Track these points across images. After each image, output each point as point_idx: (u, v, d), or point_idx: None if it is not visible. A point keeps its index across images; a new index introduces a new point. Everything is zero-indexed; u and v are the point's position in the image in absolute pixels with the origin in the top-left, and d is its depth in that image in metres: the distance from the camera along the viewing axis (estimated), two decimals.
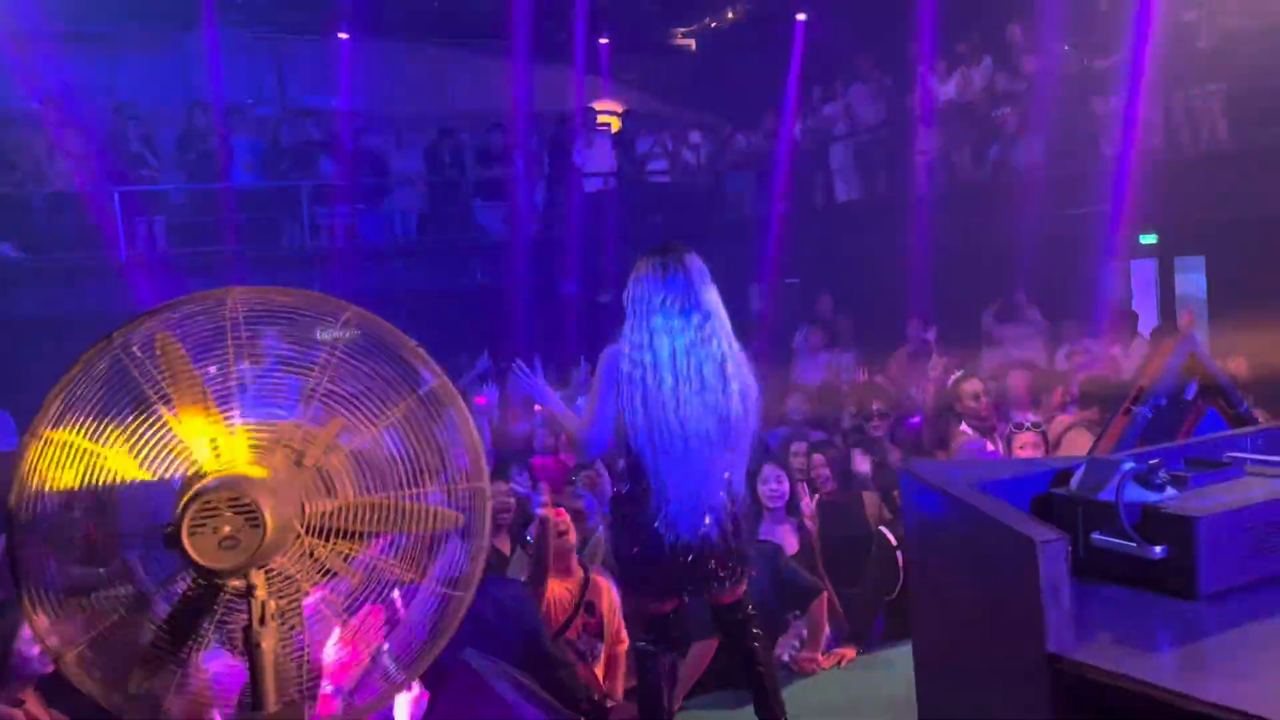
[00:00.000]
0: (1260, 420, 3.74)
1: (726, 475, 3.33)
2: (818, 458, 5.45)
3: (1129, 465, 2.00)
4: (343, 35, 12.89)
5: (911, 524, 2.29)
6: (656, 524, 3.23)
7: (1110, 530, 1.95)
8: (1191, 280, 10.84)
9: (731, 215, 14.33)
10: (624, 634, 4.35)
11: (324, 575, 1.88)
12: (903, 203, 11.77)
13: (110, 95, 12.55)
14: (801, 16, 12.85)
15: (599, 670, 4.29)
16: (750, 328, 15.54)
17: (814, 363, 9.30)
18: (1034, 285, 10.57)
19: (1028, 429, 5.67)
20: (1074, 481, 2.07)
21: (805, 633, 4.45)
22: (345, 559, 1.92)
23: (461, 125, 13.32)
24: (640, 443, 3.24)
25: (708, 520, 3.25)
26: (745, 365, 3.39)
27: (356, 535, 1.90)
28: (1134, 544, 1.89)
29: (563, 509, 4.38)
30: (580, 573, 4.32)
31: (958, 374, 6.63)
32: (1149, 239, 10.40)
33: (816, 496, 5.24)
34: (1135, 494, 1.95)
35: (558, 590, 4.25)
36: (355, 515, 1.84)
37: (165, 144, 12.23)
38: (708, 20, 14.88)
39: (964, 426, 5.77)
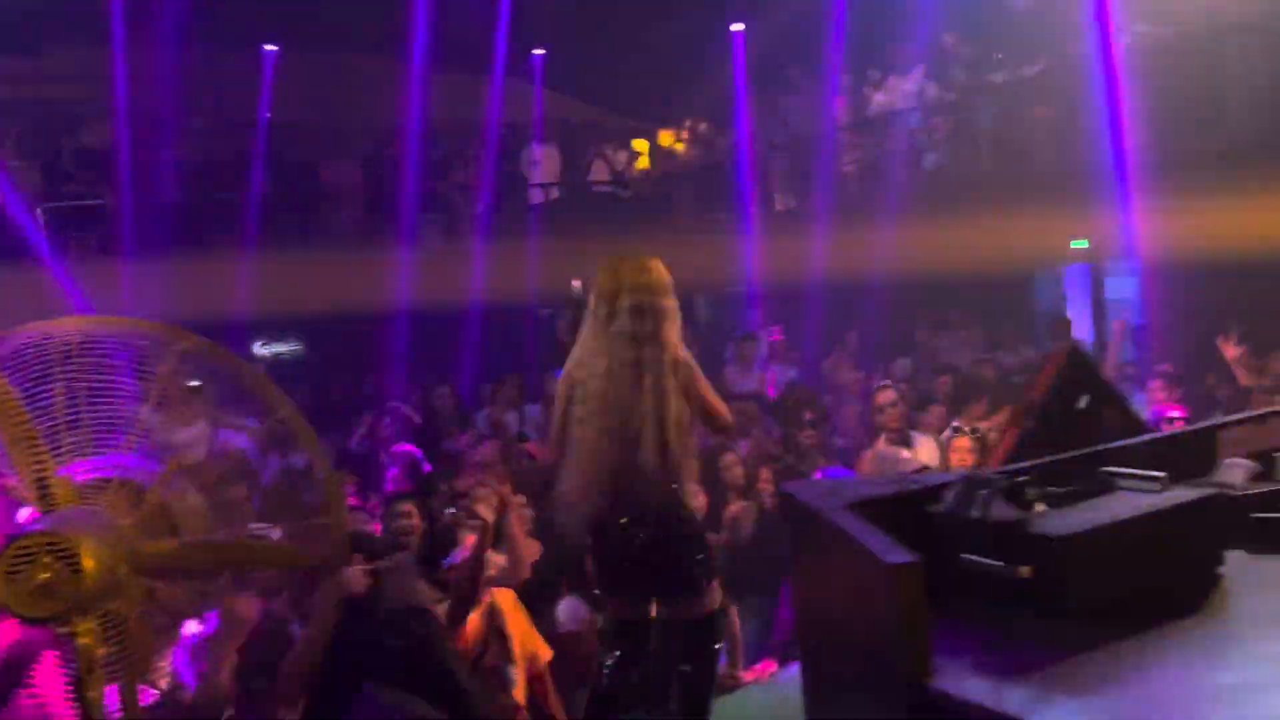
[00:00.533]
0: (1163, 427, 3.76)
1: None
2: (765, 471, 5.46)
3: (999, 482, 1.98)
4: (270, 47, 12.69)
5: (791, 544, 2.26)
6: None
7: (979, 549, 1.93)
8: (1127, 284, 11.02)
9: (673, 225, 14.31)
10: (543, 650, 4.28)
11: (173, 617, 1.80)
12: (838, 212, 11.85)
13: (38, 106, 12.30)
14: (738, 27, 12.88)
15: (519, 694, 4.20)
16: (696, 337, 15.58)
17: (748, 373, 9.29)
18: (971, 293, 10.68)
19: (964, 434, 5.71)
20: (947, 498, 2.05)
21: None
22: (198, 599, 1.84)
23: (400, 136, 13.17)
24: None
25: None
26: None
27: (205, 574, 1.82)
28: (1001, 564, 1.87)
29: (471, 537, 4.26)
30: (485, 597, 4.21)
31: (882, 384, 6.66)
32: (1080, 244, 10.54)
33: (749, 505, 5.23)
34: (1003, 511, 1.93)
35: (469, 619, 4.16)
36: (197, 555, 1.76)
37: (97, 158, 11.98)
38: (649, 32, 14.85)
39: (882, 438, 5.80)
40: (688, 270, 12.40)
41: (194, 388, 2.25)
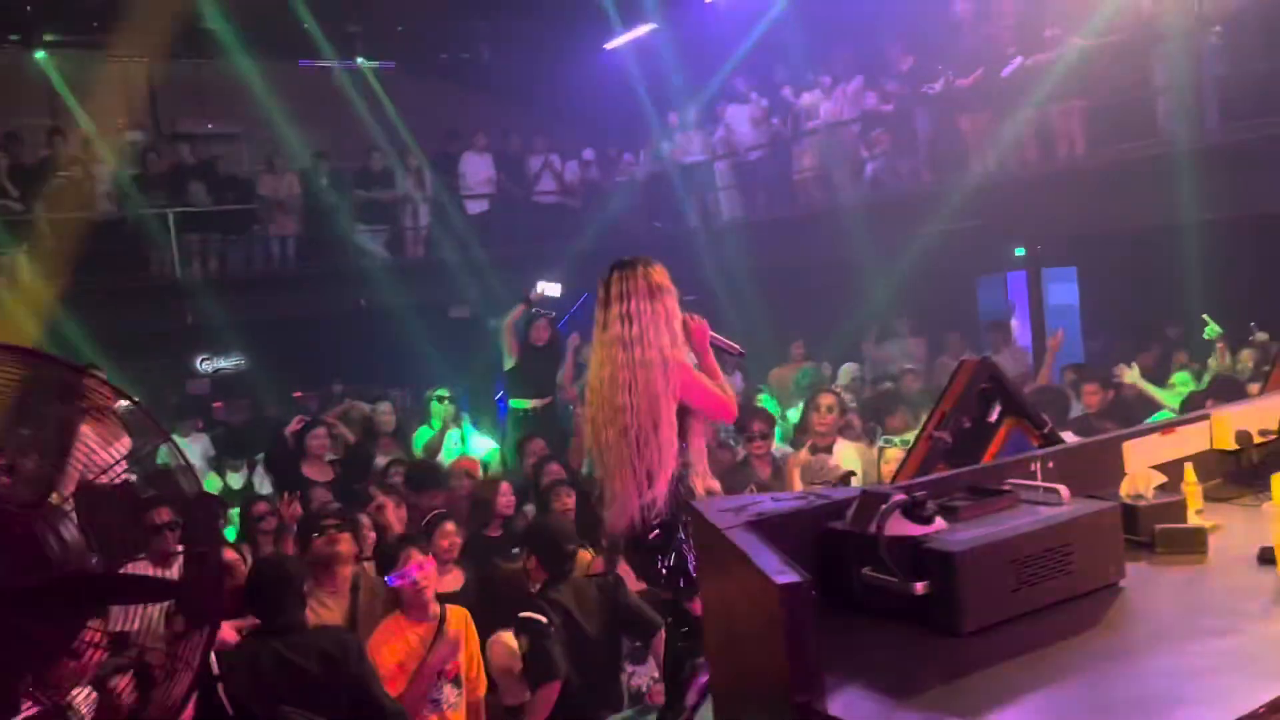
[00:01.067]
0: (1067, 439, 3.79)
1: None
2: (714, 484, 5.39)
3: (897, 497, 1.96)
4: (214, 59, 12.49)
5: (697, 562, 2.22)
6: None
7: (878, 565, 1.91)
8: (1067, 290, 11.15)
9: (622, 234, 14.30)
10: (483, 680, 4.20)
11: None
12: (783, 220, 11.92)
13: None
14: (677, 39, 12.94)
15: (458, 717, 4.12)
16: None
17: None
18: (913, 300, 10.78)
19: (895, 444, 5.71)
20: (848, 514, 2.03)
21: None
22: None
23: (339, 147, 13.04)
24: None
25: None
26: None
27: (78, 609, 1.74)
28: (896, 580, 1.84)
29: (431, 557, 4.15)
30: (437, 615, 4.12)
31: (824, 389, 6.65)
32: (1020, 252, 10.66)
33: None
34: (901, 528, 1.90)
35: (409, 635, 4.07)
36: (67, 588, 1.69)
37: (26, 172, 11.70)
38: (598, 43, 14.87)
39: (803, 451, 5.79)
40: None
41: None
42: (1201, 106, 8.08)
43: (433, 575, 4.08)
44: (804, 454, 5.79)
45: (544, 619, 3.88)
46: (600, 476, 3.56)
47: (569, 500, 5.25)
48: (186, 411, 10.38)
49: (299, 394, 12.75)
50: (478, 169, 13.64)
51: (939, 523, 1.93)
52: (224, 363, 14.08)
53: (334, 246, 12.70)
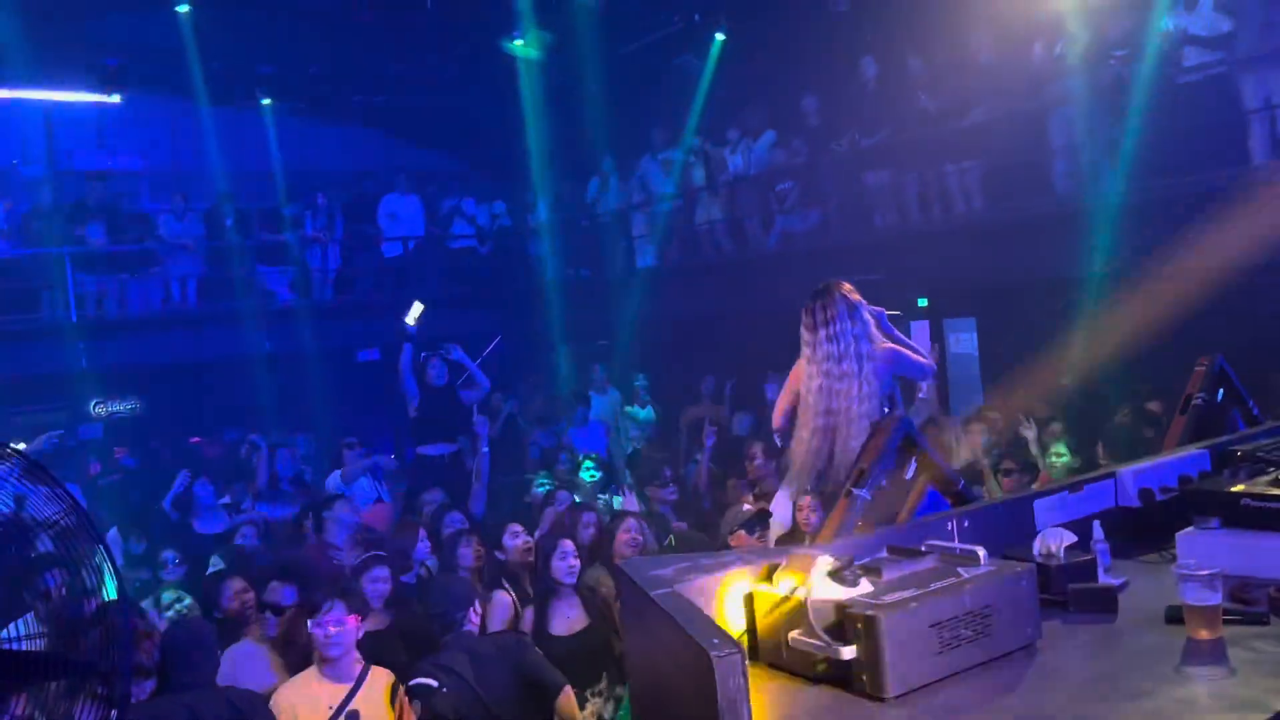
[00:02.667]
0: (985, 496, 3.89)
1: None
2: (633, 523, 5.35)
3: (825, 561, 1.98)
4: (115, 98, 12.14)
5: (626, 625, 2.21)
6: None
7: (806, 629, 1.92)
8: (967, 340, 11.50)
9: (536, 280, 14.32)
10: None
11: None
12: (695, 269, 12.07)
13: None
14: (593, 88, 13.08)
15: None
16: (561, 388, 15.57)
17: (585, 431, 9.25)
18: None
19: (808, 493, 5.76)
20: (775, 576, 2.04)
21: None
22: None
23: (245, 187, 12.77)
24: None
25: None
26: None
27: None
28: (823, 644, 1.86)
29: (356, 616, 4.00)
30: (355, 677, 3.96)
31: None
32: (923, 302, 10.97)
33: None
34: (828, 591, 1.93)
35: (319, 693, 3.92)
36: None
37: None
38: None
39: (745, 496, 5.83)
40: (555, 324, 12.45)
41: None
42: (1096, 167, 8.46)
43: (351, 634, 3.94)
44: (745, 497, 5.85)
45: (433, 682, 3.80)
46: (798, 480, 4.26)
47: (469, 550, 5.16)
48: (78, 457, 9.98)
49: (197, 439, 12.36)
50: (398, 211, 13.51)
51: (864, 585, 1.96)
52: (119, 407, 13.59)
53: (238, 288, 12.39)
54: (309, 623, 3.90)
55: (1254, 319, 7.94)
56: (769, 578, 2.06)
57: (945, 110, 9.28)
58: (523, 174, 14.91)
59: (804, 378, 4.19)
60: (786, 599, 1.95)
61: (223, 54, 11.82)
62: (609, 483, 7.55)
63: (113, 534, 7.41)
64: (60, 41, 10.64)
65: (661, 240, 12.78)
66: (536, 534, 5.28)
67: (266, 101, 13.05)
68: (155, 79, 12.04)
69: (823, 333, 4.09)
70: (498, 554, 5.16)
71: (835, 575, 1.93)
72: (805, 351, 4.18)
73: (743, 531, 5.00)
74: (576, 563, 4.69)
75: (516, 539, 5.15)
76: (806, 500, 5.30)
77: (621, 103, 13.01)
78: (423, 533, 5.42)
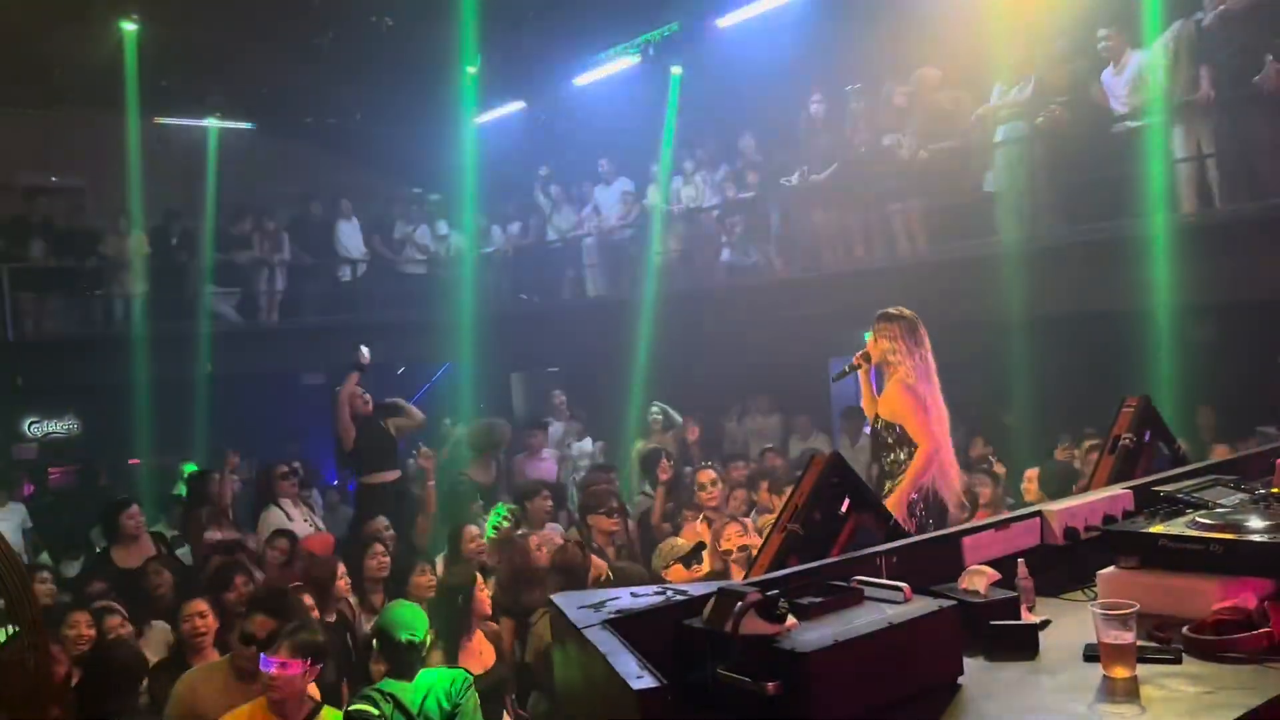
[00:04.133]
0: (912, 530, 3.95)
1: None
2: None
3: (752, 596, 2.01)
4: (61, 110, 11.97)
5: (558, 662, 2.21)
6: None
7: (733, 664, 1.94)
8: None
9: (488, 307, 14.30)
10: None
11: None
12: (646, 300, 12.14)
13: None
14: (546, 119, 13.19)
15: None
16: (515, 417, 15.51)
17: (542, 461, 9.21)
18: (769, 378, 11.12)
19: (732, 520, 5.81)
20: (705, 612, 2.06)
21: None
22: None
23: (192, 207, 12.63)
24: None
25: None
26: None
27: None
28: (749, 680, 1.88)
29: (298, 663, 3.89)
30: (305, 714, 3.87)
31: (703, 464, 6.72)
32: (867, 336, 11.11)
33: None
34: (754, 626, 1.95)
35: None
36: None
37: None
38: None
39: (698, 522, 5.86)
40: (506, 351, 12.44)
41: None
42: (1035, 209, 8.67)
43: (295, 680, 3.76)
44: (698, 525, 5.86)
45: (375, 710, 3.76)
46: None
47: (421, 579, 5.13)
48: (10, 479, 9.76)
49: (135, 460, 12.15)
50: (349, 234, 13.43)
51: (791, 621, 1.99)
52: (55, 427, 13.31)
53: (182, 309, 12.22)
54: (262, 656, 3.81)
55: (1182, 358, 8.18)
56: (699, 612, 2.08)
57: (890, 150, 9.47)
58: (476, 200, 14.94)
59: (923, 389, 4.59)
60: (714, 634, 1.97)
61: (171, 72, 11.72)
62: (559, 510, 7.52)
63: (44, 558, 7.25)
64: (3, 57, 10.48)
65: (611, 269, 12.85)
66: None
67: (214, 121, 12.94)
68: (100, 95, 11.89)
69: (924, 350, 4.66)
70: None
71: (763, 611, 1.96)
72: (908, 363, 4.63)
73: (679, 565, 5.01)
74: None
75: (421, 576, 5.13)
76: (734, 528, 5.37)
77: (575, 133, 13.12)
78: (342, 569, 5.30)
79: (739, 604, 1.96)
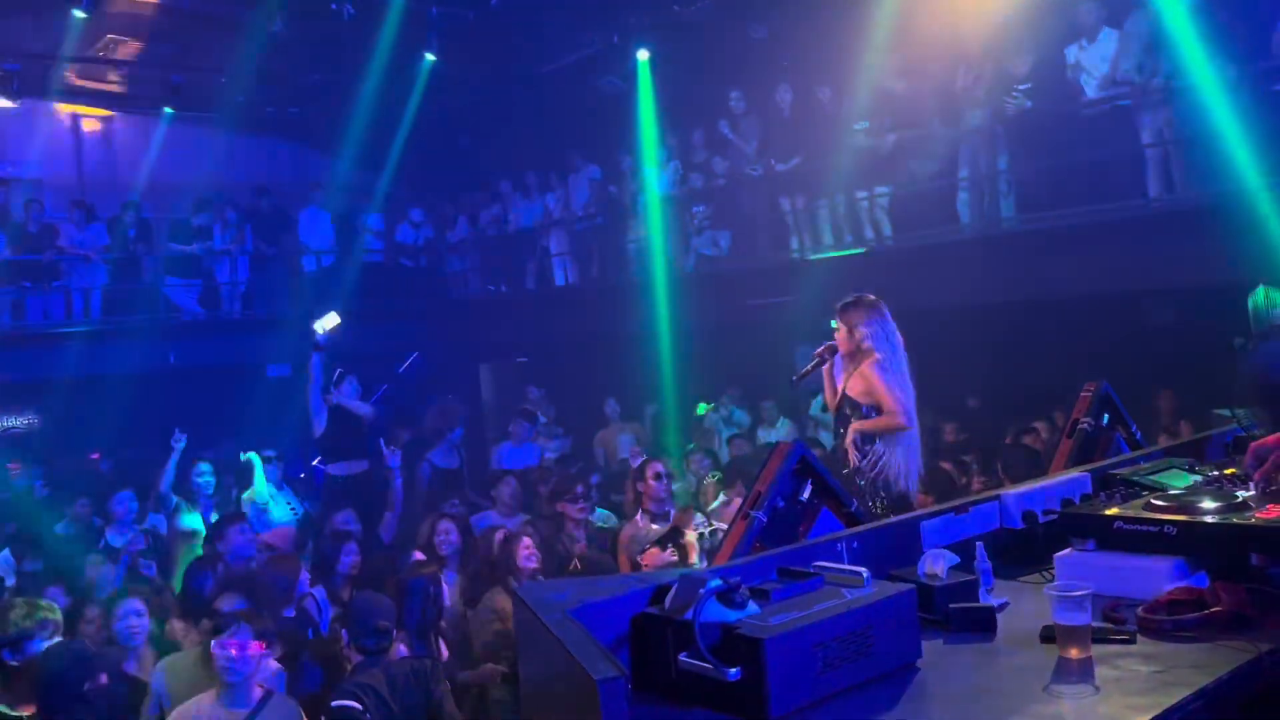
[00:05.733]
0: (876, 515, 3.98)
1: None
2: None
3: (714, 583, 2.01)
4: (13, 104, 11.71)
5: (522, 653, 2.21)
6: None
7: (694, 651, 1.95)
8: None
9: (454, 295, 14.24)
10: None
11: None
12: (614, 287, 12.13)
13: None
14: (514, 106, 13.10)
15: None
16: (483, 406, 15.47)
17: (521, 450, 9.21)
18: (737, 366, 11.16)
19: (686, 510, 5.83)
20: (667, 600, 2.07)
21: None
22: None
23: (152, 198, 12.45)
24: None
25: None
26: None
27: None
28: (709, 666, 1.89)
29: (262, 644, 3.89)
30: (255, 701, 3.85)
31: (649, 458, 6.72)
32: (834, 324, 11.16)
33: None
34: (715, 613, 1.96)
35: (214, 716, 3.84)
36: None
37: None
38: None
39: (639, 514, 5.85)
40: (474, 341, 12.38)
41: None
42: (998, 197, 8.74)
43: (250, 662, 3.84)
44: (638, 519, 5.86)
45: (358, 705, 3.74)
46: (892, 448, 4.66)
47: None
48: None
49: (96, 455, 11.99)
50: (316, 224, 13.30)
51: (751, 607, 2.00)
52: (14, 421, 13.11)
53: (143, 300, 12.06)
54: (211, 642, 3.82)
55: (1141, 342, 8.30)
56: (660, 601, 2.09)
57: (856, 138, 9.50)
58: (441, 189, 14.85)
59: (895, 371, 4.71)
60: (675, 622, 1.98)
61: (129, 61, 11.53)
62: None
63: (5, 555, 7.14)
64: None
65: (581, 258, 12.82)
66: None
67: (170, 111, 12.74)
68: (56, 86, 11.68)
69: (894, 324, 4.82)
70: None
71: (724, 598, 1.97)
72: (883, 346, 4.75)
73: (655, 549, 5.02)
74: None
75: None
76: None
77: (543, 121, 13.05)
78: (304, 565, 5.29)
79: (700, 591, 1.97)
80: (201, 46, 11.96)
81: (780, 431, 10.38)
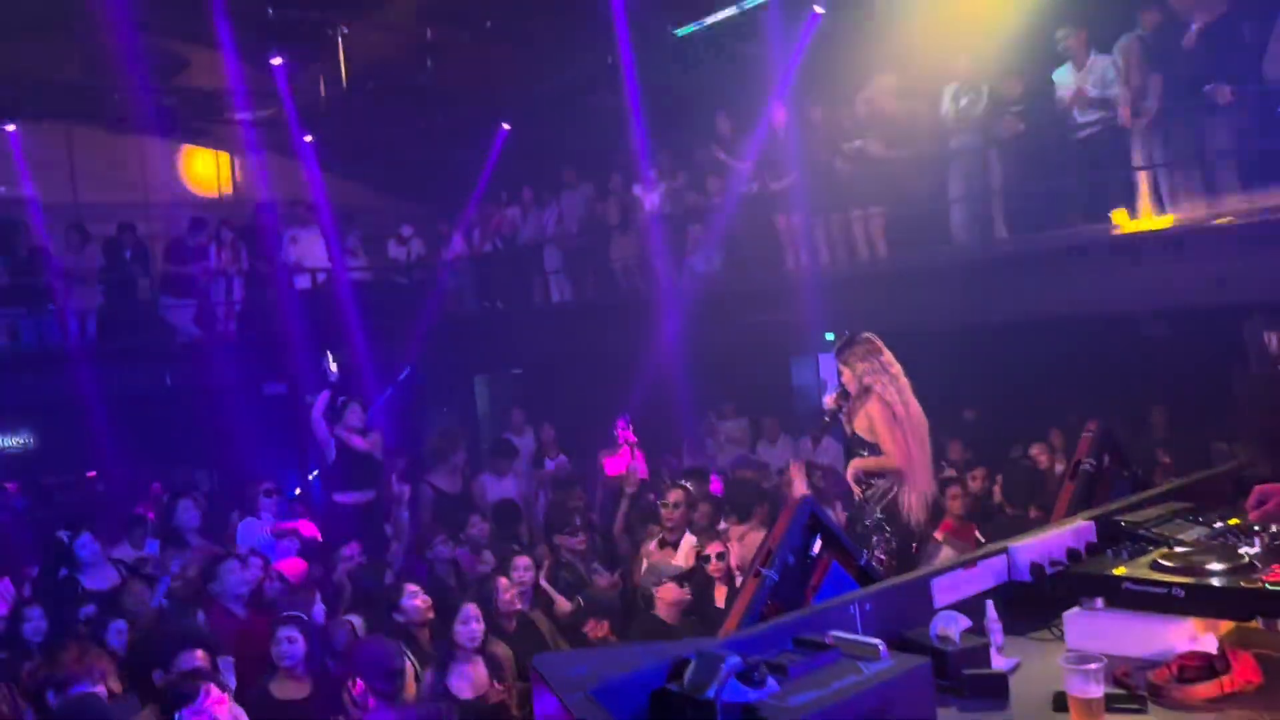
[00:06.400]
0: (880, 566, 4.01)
1: None
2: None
3: (733, 661, 2.04)
4: (9, 126, 11.68)
5: None
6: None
7: None
8: None
9: (452, 312, 14.24)
10: None
11: None
12: (609, 306, 12.15)
13: None
14: (506, 125, 13.14)
15: None
16: (478, 418, 15.46)
17: (503, 483, 9.15)
18: (734, 379, 11.20)
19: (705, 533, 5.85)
20: (686, 676, 2.09)
21: None
22: None
23: (147, 217, 12.43)
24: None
25: None
26: None
27: None
28: None
29: (226, 696, 3.88)
30: None
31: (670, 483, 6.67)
32: (829, 336, 11.22)
33: None
34: (736, 693, 1.98)
35: None
36: None
37: None
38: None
39: (653, 543, 5.88)
40: (469, 355, 12.33)
41: None
42: (991, 217, 8.79)
43: (225, 711, 3.71)
44: (653, 545, 5.89)
45: None
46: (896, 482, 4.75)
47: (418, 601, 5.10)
48: None
49: (93, 474, 12.00)
50: (307, 243, 13.28)
51: (770, 684, 2.02)
52: (9, 442, 13.11)
53: (138, 321, 12.04)
54: (175, 713, 3.61)
55: (1134, 361, 8.36)
56: (678, 676, 2.11)
57: (849, 157, 9.54)
58: (436, 206, 14.86)
59: (900, 405, 4.79)
60: (695, 701, 2.00)
61: (122, 83, 11.50)
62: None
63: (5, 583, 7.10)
64: None
65: (576, 275, 12.84)
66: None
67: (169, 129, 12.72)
68: (51, 107, 11.67)
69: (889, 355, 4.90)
70: (395, 615, 5.08)
71: (744, 678, 1.99)
72: (884, 382, 4.82)
73: (672, 584, 5.04)
74: (480, 628, 4.68)
75: (415, 599, 5.11)
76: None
77: (537, 138, 13.08)
78: (319, 595, 5.29)
79: (720, 670, 2.00)
80: (194, 64, 11.97)
81: (779, 448, 10.42)
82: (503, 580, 5.16)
